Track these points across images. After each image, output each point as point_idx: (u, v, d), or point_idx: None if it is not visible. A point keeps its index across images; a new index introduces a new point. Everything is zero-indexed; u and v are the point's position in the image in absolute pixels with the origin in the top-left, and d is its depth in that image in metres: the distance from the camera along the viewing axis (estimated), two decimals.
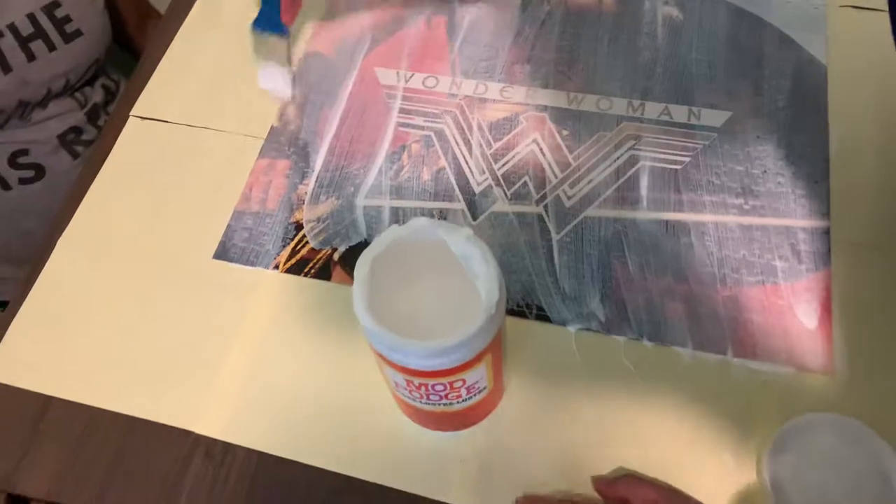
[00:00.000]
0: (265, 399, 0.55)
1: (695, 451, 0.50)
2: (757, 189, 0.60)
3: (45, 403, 0.57)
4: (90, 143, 0.93)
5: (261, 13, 0.67)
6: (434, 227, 0.42)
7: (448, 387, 0.43)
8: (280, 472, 0.53)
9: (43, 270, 0.63)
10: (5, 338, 0.60)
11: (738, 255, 0.57)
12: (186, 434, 0.55)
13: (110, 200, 0.66)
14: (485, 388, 0.46)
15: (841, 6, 0.68)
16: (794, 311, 0.54)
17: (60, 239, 0.65)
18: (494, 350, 0.43)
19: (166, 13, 0.80)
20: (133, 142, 0.69)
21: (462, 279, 0.42)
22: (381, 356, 0.42)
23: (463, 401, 0.45)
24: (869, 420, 0.48)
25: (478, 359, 0.41)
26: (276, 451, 0.53)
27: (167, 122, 0.70)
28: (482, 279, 0.40)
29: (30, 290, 0.62)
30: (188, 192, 0.66)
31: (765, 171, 0.61)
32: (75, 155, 0.92)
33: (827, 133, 0.62)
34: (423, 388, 0.43)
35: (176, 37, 0.76)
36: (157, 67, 0.73)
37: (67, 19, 0.85)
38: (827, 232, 0.57)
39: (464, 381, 0.43)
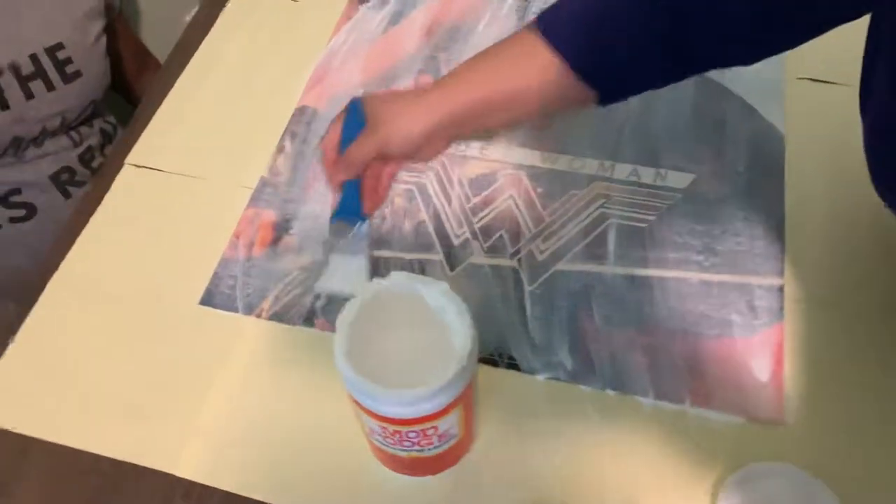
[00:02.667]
0: (243, 442, 0.58)
1: (651, 495, 0.54)
2: (717, 247, 0.65)
3: (27, 444, 0.59)
4: (82, 183, 0.96)
5: (342, 202, 0.64)
6: (412, 281, 0.46)
7: (421, 434, 0.46)
8: None
9: (32, 311, 0.66)
10: None
11: (698, 309, 0.62)
12: (165, 476, 0.57)
13: (101, 245, 0.70)
14: (455, 435, 0.50)
15: (798, 78, 0.74)
16: (748, 365, 0.59)
17: (51, 280, 0.68)
18: (466, 399, 0.46)
19: (166, 62, 0.85)
20: (127, 189, 0.73)
21: (436, 330, 0.46)
22: (358, 404, 0.45)
23: (435, 447, 0.49)
24: (816, 469, 0.52)
25: (450, 407, 0.45)
26: (253, 493, 0.56)
27: (161, 170, 0.74)
28: (456, 331, 0.44)
29: (18, 330, 0.65)
30: (178, 239, 0.69)
31: (724, 231, 0.65)
32: (67, 195, 0.95)
33: (783, 196, 0.67)
34: (397, 435, 0.47)
35: (174, 87, 0.80)
36: (154, 116, 0.78)
37: (69, 61, 0.90)
38: (781, 289, 0.62)
39: (436, 428, 0.46)
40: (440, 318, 0.45)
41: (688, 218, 0.66)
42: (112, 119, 1.03)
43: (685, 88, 0.74)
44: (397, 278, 0.46)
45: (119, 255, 0.69)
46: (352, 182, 0.63)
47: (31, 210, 0.93)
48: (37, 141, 0.91)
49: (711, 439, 0.56)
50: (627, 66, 0.56)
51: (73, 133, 0.95)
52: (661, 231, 0.66)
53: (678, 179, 0.69)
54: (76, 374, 0.62)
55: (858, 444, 0.55)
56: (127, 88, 1.08)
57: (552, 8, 0.59)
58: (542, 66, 0.57)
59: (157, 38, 1.18)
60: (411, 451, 0.49)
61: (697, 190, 0.68)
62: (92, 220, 0.72)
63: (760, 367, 0.58)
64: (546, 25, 0.57)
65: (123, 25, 1.05)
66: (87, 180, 0.97)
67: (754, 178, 0.68)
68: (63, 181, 0.94)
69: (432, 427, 0.46)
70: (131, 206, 0.72)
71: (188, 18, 1.39)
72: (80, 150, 0.96)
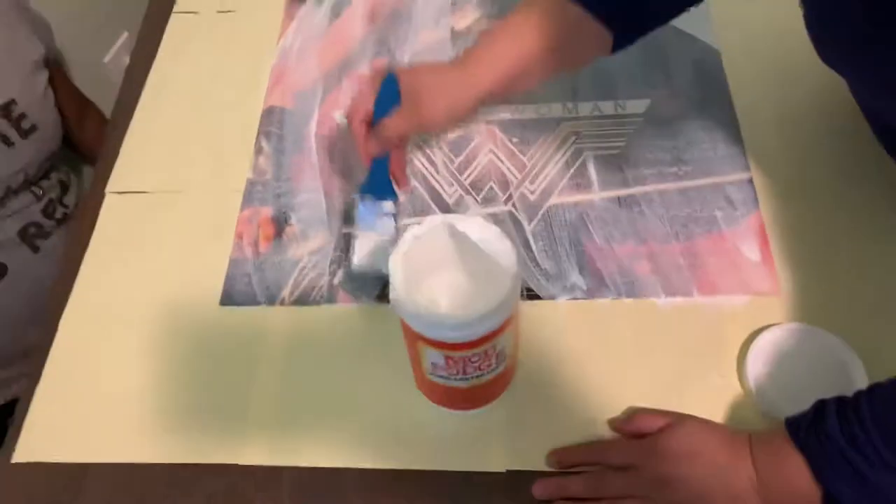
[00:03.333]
0: (298, 419, 0.60)
1: (687, 379, 0.59)
2: (686, 157, 0.71)
3: (82, 471, 0.59)
4: (49, 234, 0.95)
5: (371, 179, 0.64)
6: (450, 220, 0.49)
7: (483, 356, 0.50)
8: (332, 480, 0.58)
9: (49, 354, 0.66)
10: (27, 420, 0.62)
11: (683, 213, 0.67)
12: (233, 468, 0.58)
13: (105, 274, 0.70)
14: (508, 355, 0.53)
15: None
16: (740, 250, 0.65)
17: (62, 321, 0.67)
18: (515, 317, 0.50)
19: (122, 87, 0.85)
20: (115, 216, 0.74)
21: (480, 260, 0.49)
22: (422, 338, 0.48)
23: (493, 369, 0.53)
24: (818, 323, 0.59)
25: (507, 324, 0.48)
26: (323, 462, 0.58)
27: (145, 192, 0.75)
28: (500, 253, 0.48)
29: (41, 373, 0.65)
30: (180, 251, 0.70)
31: (688, 142, 0.72)
32: (36, 249, 0.94)
33: (731, 101, 0.74)
34: (461, 363, 0.50)
35: (135, 113, 0.81)
36: (124, 142, 0.78)
37: (23, 116, 0.89)
38: (750, 181, 0.69)
39: (495, 347, 0.50)
40: (483, 248, 0.49)
41: (653, 137, 0.72)
42: (65, 168, 1.02)
43: None
44: (433, 220, 0.49)
45: (126, 278, 0.69)
46: (379, 161, 0.64)
47: (1, 269, 0.91)
48: (1, 202, 0.90)
49: (724, 319, 0.62)
50: (641, 5, 0.60)
51: (34, 188, 0.94)
52: (633, 153, 0.72)
53: (636, 106, 0.75)
54: (115, 396, 0.63)
55: (846, 295, 0.62)
56: (70, 136, 1.07)
57: None
58: (565, 20, 0.60)
59: (82, 82, 1.17)
60: (472, 377, 0.52)
61: (655, 112, 0.74)
62: (88, 252, 0.72)
63: (750, 250, 0.65)
64: None
65: (62, 75, 1.04)
66: (53, 231, 0.96)
67: (703, 91, 0.75)
68: (31, 235, 0.93)
69: (492, 346, 0.49)
70: (124, 231, 0.73)
71: (107, 59, 1.38)
72: (43, 203, 0.95)
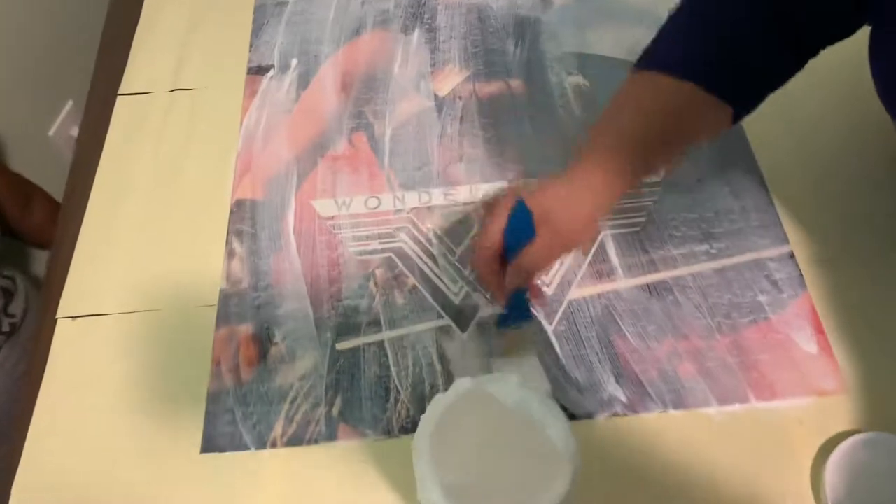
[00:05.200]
0: None
1: (755, 498, 0.48)
2: (716, 231, 0.59)
3: None
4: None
5: (513, 308, 0.53)
6: (478, 384, 0.37)
7: None
8: None
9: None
10: None
11: (724, 299, 0.56)
12: None
13: (62, 419, 0.56)
14: None
15: None
16: (793, 341, 0.54)
17: (18, 472, 0.54)
18: None
19: (67, 186, 0.71)
20: (70, 345, 0.60)
21: (524, 429, 0.37)
22: None
23: None
24: (890, 426, 0.48)
25: None
26: None
27: (103, 314, 0.61)
28: (551, 427, 0.36)
29: None
30: (150, 386, 0.57)
31: (717, 212, 0.60)
32: None
33: (756, 161, 0.63)
34: None
35: (84, 219, 0.66)
36: (73, 258, 0.64)
37: None
38: (792, 255, 0.58)
39: None
40: (525, 415, 0.37)
41: (677, 209, 0.61)
42: (9, 272, 0.86)
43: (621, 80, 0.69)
44: (462, 386, 0.37)
45: (83, 425, 0.55)
46: (519, 291, 0.52)
47: None
48: None
49: (789, 427, 0.51)
50: (755, 72, 0.50)
51: None
52: (657, 230, 0.60)
53: None
54: None
55: None
56: (14, 227, 0.91)
57: (658, 45, 0.51)
58: (679, 100, 0.49)
59: (28, 159, 1.02)
60: None
61: (675, 178, 0.63)
62: (42, 391, 0.57)
63: (805, 340, 0.54)
64: (663, 62, 0.50)
65: None
66: (3, 344, 0.81)
67: (723, 151, 0.64)
68: None
69: None
70: (81, 363, 0.59)
71: (52, 132, 1.22)
72: None
